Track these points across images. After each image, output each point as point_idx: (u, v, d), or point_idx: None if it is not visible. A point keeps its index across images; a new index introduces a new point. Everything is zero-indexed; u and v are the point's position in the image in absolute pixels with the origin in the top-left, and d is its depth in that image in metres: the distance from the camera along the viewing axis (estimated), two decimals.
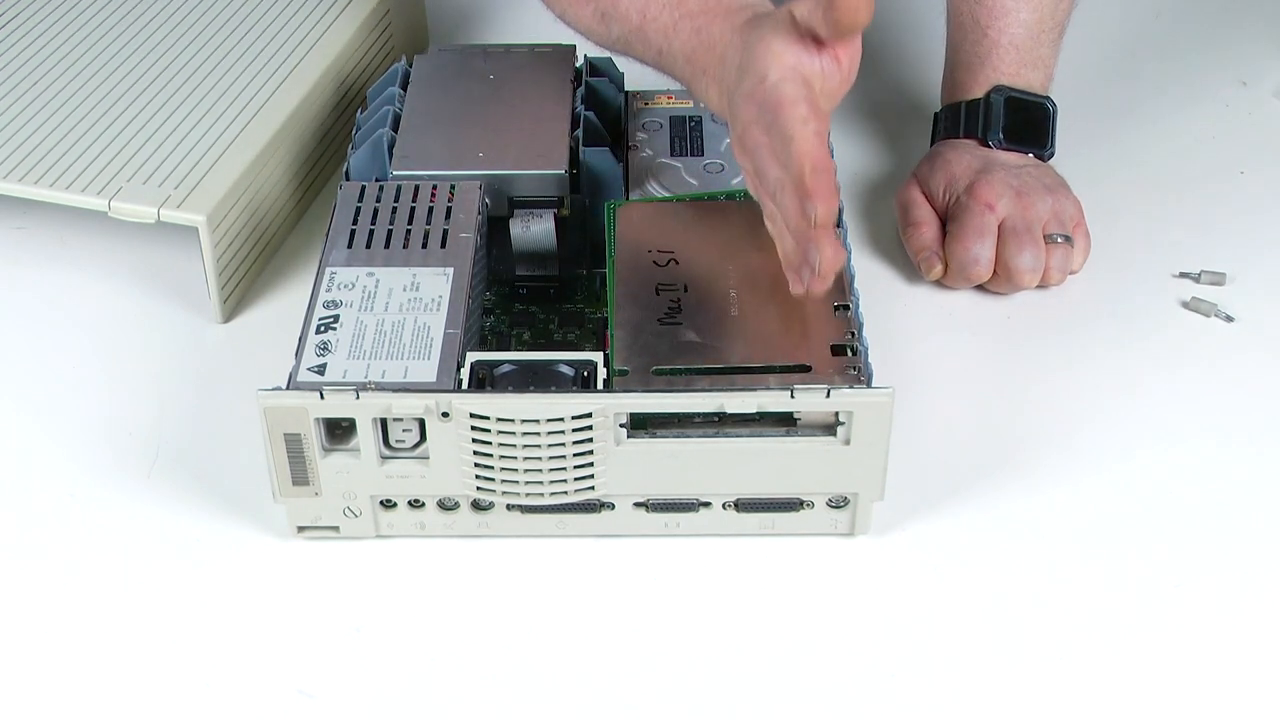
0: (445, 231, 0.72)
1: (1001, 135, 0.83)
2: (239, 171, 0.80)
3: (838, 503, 0.67)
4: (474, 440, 0.64)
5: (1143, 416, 0.75)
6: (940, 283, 0.82)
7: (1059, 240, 0.80)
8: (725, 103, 0.68)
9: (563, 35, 0.80)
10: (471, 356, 0.65)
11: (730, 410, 0.63)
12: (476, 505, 0.67)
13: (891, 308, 0.80)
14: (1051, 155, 0.85)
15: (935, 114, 0.88)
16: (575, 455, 0.64)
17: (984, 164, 0.82)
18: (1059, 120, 0.85)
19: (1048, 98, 0.85)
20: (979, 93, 0.84)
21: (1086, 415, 0.75)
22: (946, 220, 0.82)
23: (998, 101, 0.83)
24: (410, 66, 0.85)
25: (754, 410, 0.64)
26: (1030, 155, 0.84)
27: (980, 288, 0.81)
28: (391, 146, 0.78)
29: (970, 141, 0.84)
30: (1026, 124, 0.84)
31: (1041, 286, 0.81)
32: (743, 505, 0.67)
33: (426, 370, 0.65)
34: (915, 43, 0.99)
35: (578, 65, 0.85)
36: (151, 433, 0.74)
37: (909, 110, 0.95)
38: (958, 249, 0.79)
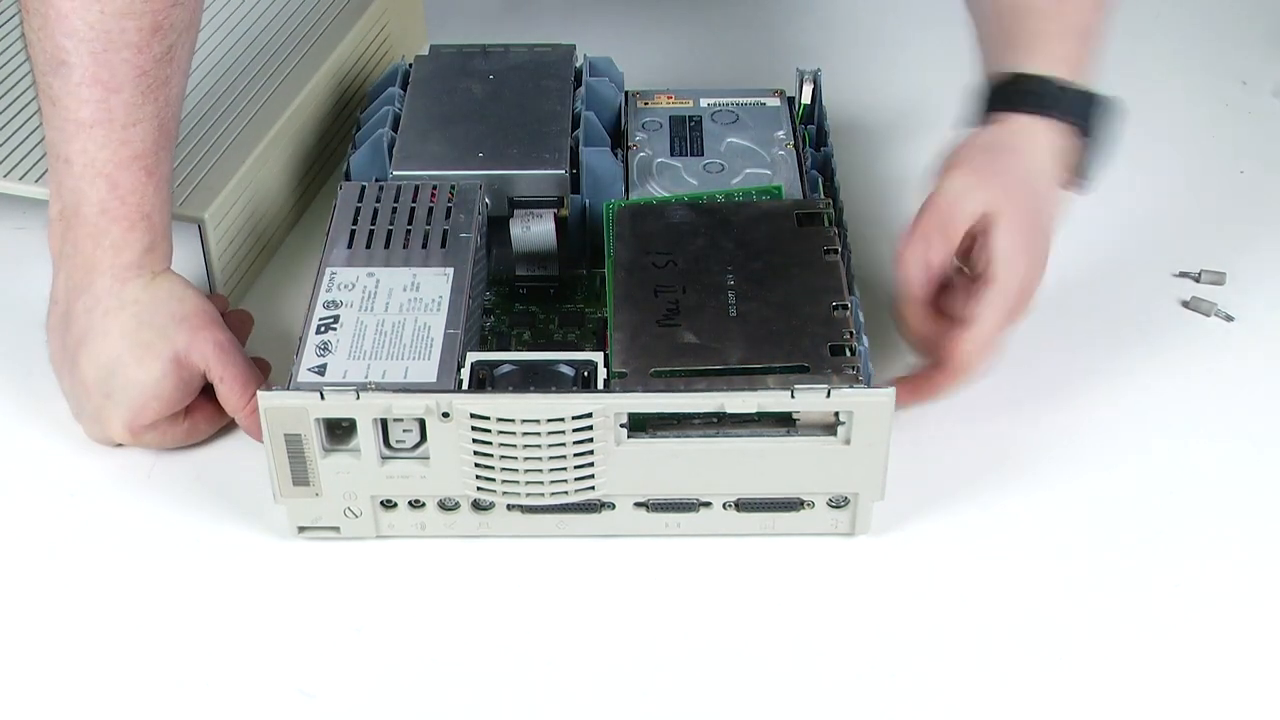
0: (445, 231, 0.72)
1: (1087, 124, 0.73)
2: (239, 171, 0.80)
3: (838, 503, 0.67)
4: (474, 440, 0.64)
5: (1143, 416, 0.75)
6: None
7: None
8: None
9: (563, 35, 0.80)
10: (471, 356, 0.65)
11: (730, 410, 0.63)
12: (477, 505, 0.67)
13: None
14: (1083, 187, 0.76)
15: (989, 82, 0.74)
16: (575, 455, 0.64)
17: (1002, 196, 0.70)
18: None
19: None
20: (1060, 70, 0.72)
21: (1086, 415, 0.75)
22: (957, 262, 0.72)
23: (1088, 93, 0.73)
24: (410, 66, 0.85)
25: (754, 410, 0.64)
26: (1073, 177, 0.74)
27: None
28: (391, 146, 0.78)
29: (995, 158, 0.71)
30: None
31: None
32: (743, 505, 0.67)
33: (427, 370, 0.65)
34: (915, 43, 0.99)
35: (578, 65, 0.85)
36: None
37: (909, 110, 0.95)
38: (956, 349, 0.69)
